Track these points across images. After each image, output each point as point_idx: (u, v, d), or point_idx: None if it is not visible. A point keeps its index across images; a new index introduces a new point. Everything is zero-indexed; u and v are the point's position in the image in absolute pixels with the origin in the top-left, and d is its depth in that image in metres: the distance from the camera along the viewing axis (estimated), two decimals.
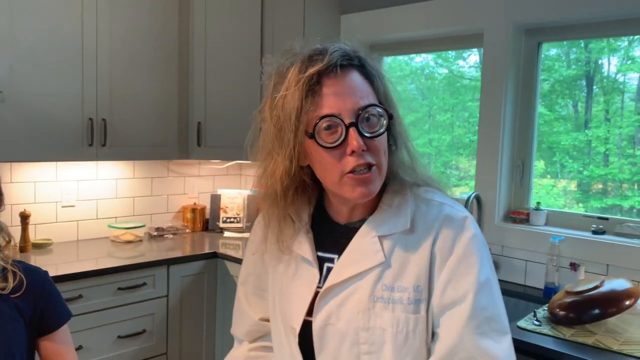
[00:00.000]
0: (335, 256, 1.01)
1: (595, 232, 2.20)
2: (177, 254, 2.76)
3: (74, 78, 2.55)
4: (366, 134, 0.90)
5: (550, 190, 2.55)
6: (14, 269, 1.25)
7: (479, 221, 2.44)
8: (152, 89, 2.83)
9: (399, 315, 0.94)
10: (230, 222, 3.28)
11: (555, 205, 2.52)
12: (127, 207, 3.09)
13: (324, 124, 0.89)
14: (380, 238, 0.97)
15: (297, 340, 1.01)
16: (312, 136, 0.91)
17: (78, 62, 2.56)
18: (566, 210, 2.43)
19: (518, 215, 2.42)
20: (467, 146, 2.86)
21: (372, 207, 1.00)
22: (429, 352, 0.96)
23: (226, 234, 3.22)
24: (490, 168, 2.44)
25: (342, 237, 1.01)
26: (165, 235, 3.09)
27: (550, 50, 2.50)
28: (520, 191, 2.47)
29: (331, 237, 1.03)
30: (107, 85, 2.66)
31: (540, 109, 2.48)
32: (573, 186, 2.50)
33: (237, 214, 3.29)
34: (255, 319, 1.14)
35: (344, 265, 0.99)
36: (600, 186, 2.42)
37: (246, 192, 3.34)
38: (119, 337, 2.48)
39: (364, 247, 0.97)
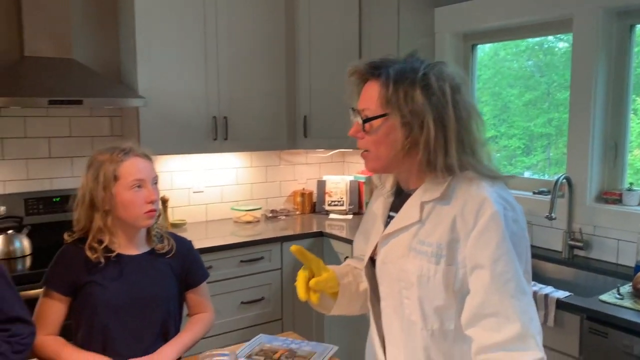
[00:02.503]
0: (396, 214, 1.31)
1: None
2: (289, 232, 3.14)
3: (199, 84, 3.01)
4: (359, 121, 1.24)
5: None
6: (167, 236, 1.66)
7: (570, 202, 2.52)
8: (264, 90, 3.23)
9: (423, 264, 1.21)
10: (335, 205, 3.61)
11: None
12: (246, 192, 3.54)
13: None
14: (422, 203, 1.23)
15: (364, 271, 1.38)
16: None
17: (202, 70, 3.01)
18: None
19: (611, 195, 2.46)
20: None
21: (423, 179, 1.25)
22: (453, 297, 1.19)
23: (331, 215, 3.55)
24: (582, 150, 2.50)
25: (403, 201, 1.29)
26: (278, 217, 3.49)
27: None
28: (614, 172, 2.50)
29: (398, 200, 1.33)
30: (227, 89, 3.09)
31: None
32: None
33: (341, 198, 3.60)
34: (357, 253, 1.50)
35: (396, 221, 1.28)
36: None
37: (349, 178, 3.64)
38: (242, 302, 2.91)
39: (410, 208, 1.26)
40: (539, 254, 2.56)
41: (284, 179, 3.70)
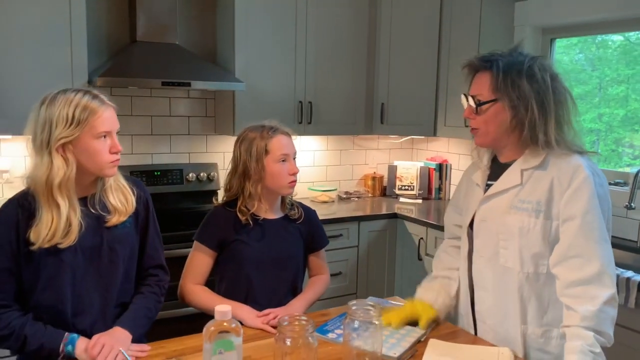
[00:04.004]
0: (495, 182, 1.57)
1: None
2: (361, 213, 3.33)
3: (289, 70, 3.22)
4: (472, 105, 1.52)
5: None
6: (296, 205, 1.87)
7: None
8: (346, 78, 3.43)
9: (524, 218, 1.47)
10: (405, 189, 3.78)
11: None
12: (321, 174, 3.75)
13: None
14: (523, 170, 1.50)
15: (466, 230, 1.64)
16: None
17: (292, 57, 3.22)
18: None
19: None
20: None
21: (521, 153, 1.51)
22: (548, 246, 1.44)
23: (401, 199, 3.73)
24: None
25: (502, 171, 1.55)
26: (351, 198, 3.69)
27: None
28: None
29: (495, 171, 1.58)
30: (313, 75, 3.30)
31: None
32: None
33: (411, 183, 3.77)
34: (450, 225, 1.80)
35: (498, 184, 1.55)
36: None
37: (420, 164, 3.80)
38: None
39: (511, 173, 1.52)
40: (614, 242, 2.66)
41: (356, 163, 3.89)
